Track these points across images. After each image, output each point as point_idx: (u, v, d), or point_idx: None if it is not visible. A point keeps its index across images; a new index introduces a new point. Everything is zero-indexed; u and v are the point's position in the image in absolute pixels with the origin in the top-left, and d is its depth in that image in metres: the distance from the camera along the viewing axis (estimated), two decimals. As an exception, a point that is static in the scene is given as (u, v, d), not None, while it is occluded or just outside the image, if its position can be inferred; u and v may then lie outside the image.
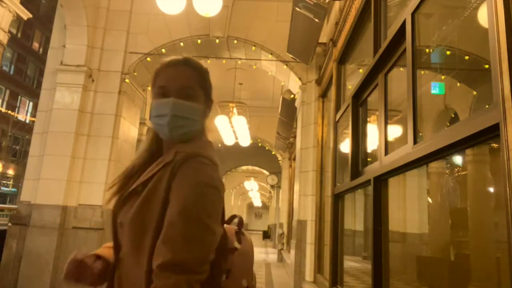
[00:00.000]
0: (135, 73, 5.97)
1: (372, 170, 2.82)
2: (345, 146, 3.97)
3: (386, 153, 2.55)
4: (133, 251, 0.96)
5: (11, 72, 26.70)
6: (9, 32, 5.73)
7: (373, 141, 3.19)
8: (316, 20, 4.22)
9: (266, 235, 24.41)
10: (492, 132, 1.29)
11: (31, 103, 28.20)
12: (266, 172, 17.98)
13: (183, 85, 1.11)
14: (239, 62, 7.11)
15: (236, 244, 1.08)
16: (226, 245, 1.04)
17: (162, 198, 0.95)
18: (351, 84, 3.98)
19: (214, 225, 0.94)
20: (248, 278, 1.11)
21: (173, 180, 0.96)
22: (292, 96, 7.04)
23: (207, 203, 0.94)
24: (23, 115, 27.87)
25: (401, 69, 2.49)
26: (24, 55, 27.44)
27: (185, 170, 0.97)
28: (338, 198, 4.02)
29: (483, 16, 1.47)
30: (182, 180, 0.95)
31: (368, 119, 3.41)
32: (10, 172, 27.30)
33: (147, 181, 1.01)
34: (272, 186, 18.67)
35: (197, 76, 1.15)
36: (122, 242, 1.01)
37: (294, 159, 8.59)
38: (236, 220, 1.18)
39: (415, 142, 2.00)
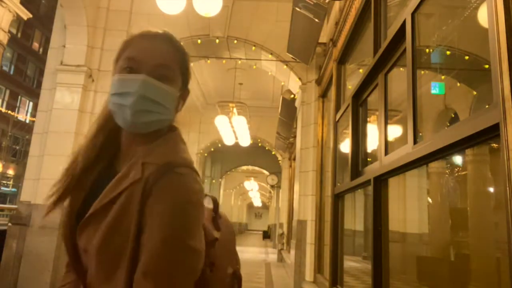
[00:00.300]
0: (135, 73, 5.96)
1: (372, 170, 2.82)
2: (345, 146, 3.97)
3: (386, 153, 2.56)
4: (105, 281, 0.83)
5: (11, 72, 26.71)
6: (9, 32, 5.73)
7: (373, 141, 3.19)
8: (316, 20, 4.22)
9: (266, 235, 24.42)
10: (492, 132, 1.29)
11: (31, 103, 28.22)
12: (266, 172, 17.99)
13: (160, 62, 0.90)
14: (239, 62, 7.11)
15: (216, 234, 0.99)
16: (205, 238, 0.93)
17: (135, 222, 0.80)
18: (351, 84, 3.98)
19: (198, 245, 0.83)
20: (232, 264, 1.05)
21: (147, 201, 0.81)
22: (292, 96, 7.04)
23: (190, 223, 0.82)
24: (23, 115, 27.89)
25: (401, 69, 2.49)
26: (24, 55, 27.46)
27: (161, 189, 0.81)
28: (338, 198, 4.02)
29: (483, 16, 1.47)
30: (159, 201, 0.81)
31: (368, 119, 3.41)
32: (10, 172, 27.32)
33: (113, 201, 0.84)
34: (272, 186, 18.69)
35: (178, 57, 0.95)
36: (88, 267, 0.87)
37: (294, 159, 8.60)
38: (207, 199, 1.03)
39: (415, 142, 2.00)
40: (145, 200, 0.81)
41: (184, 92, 0.98)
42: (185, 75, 0.97)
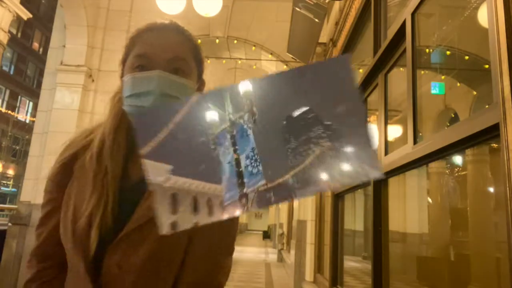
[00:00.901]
0: (135, 73, 5.97)
1: (372, 170, 2.81)
2: (345, 146, 3.96)
3: (386, 153, 2.56)
4: None
5: (11, 72, 26.71)
6: (9, 32, 5.73)
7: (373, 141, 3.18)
8: (316, 20, 4.22)
9: (266, 235, 24.43)
10: (492, 132, 1.29)
11: (31, 103, 28.21)
12: (266, 172, 17.98)
13: (174, 55, 0.83)
14: (239, 62, 7.12)
15: None
16: None
17: (188, 232, 0.74)
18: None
19: None
20: None
21: None
22: (292, 96, 7.05)
23: (237, 223, 0.87)
24: (23, 115, 27.88)
25: (401, 69, 2.49)
26: (24, 55, 27.45)
27: None
28: (338, 198, 4.02)
29: (483, 16, 1.47)
30: None
31: (368, 119, 3.40)
32: (10, 172, 27.31)
33: None
34: (272, 186, 18.67)
35: (191, 47, 0.89)
36: (117, 284, 0.78)
37: (294, 159, 8.59)
38: None
39: (415, 142, 2.01)
40: None
41: (201, 84, 0.91)
42: (200, 65, 0.91)
